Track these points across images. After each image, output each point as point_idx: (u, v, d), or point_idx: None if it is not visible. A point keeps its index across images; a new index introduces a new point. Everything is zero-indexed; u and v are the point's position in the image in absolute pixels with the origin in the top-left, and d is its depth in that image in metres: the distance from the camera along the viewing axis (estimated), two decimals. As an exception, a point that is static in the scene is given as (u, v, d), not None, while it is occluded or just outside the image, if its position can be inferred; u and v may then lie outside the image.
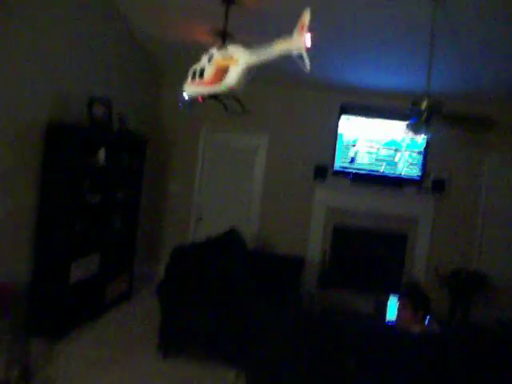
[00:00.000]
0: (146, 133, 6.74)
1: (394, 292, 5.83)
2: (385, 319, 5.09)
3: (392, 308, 5.35)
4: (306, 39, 1.76)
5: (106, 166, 5.46)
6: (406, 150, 6.81)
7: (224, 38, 2.29)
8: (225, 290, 4.57)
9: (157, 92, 7.44)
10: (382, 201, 6.96)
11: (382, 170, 6.86)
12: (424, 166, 6.82)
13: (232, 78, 2.03)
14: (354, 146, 6.90)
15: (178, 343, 4.84)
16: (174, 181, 7.49)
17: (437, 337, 3.21)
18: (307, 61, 1.80)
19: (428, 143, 6.76)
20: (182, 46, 6.11)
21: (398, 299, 4.74)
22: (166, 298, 4.74)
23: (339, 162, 6.93)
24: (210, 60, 2.14)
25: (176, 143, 7.49)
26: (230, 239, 5.85)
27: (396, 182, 6.87)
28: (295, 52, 1.85)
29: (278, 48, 1.89)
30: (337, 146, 6.92)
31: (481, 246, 6.88)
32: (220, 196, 7.45)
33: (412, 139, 6.73)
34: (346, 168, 6.94)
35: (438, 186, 6.79)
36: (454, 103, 5.45)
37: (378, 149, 6.84)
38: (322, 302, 5.51)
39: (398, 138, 6.80)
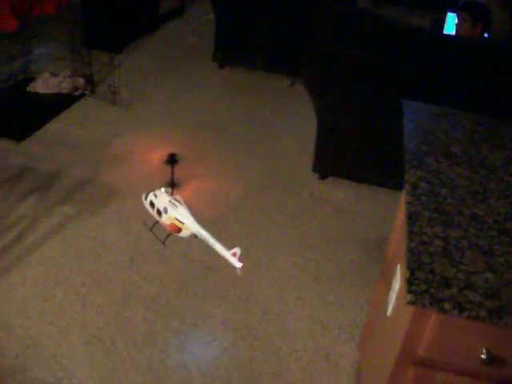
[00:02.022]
0: None
1: (452, 9, 5.61)
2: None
3: (450, 24, 5.21)
4: (237, 263, 2.15)
5: None
6: None
7: (172, 186, 2.83)
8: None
9: None
10: None
11: None
12: None
13: (185, 235, 2.39)
14: None
15: (233, 54, 4.90)
16: None
17: (497, 44, 3.17)
18: (238, 266, 2.17)
19: None
20: None
21: (457, 14, 4.60)
22: (220, 7, 4.69)
23: None
24: (166, 211, 2.41)
25: None
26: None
27: None
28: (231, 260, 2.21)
29: (220, 248, 2.21)
30: None
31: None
32: None
33: None
34: None
35: None
36: None
37: None
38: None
39: None
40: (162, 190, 2.57)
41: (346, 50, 2.95)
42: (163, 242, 2.62)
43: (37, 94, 4.27)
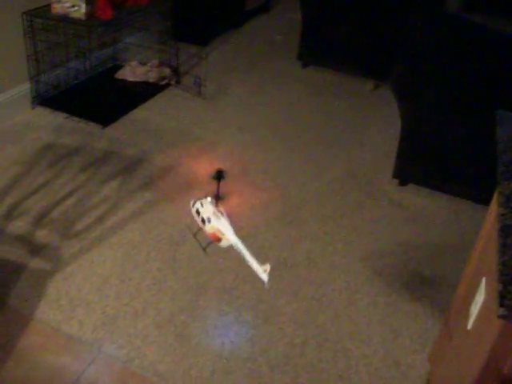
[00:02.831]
0: None
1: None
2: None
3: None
4: (266, 279, 2.47)
5: None
6: None
7: (217, 199, 3.06)
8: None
9: None
10: None
11: None
12: None
13: (225, 245, 2.66)
14: None
15: (317, 54, 4.89)
16: None
17: None
18: (266, 280, 2.49)
19: None
20: None
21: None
22: (307, 7, 4.69)
23: None
24: (209, 221, 2.66)
25: None
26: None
27: None
28: (261, 276, 2.49)
29: (251, 261, 2.50)
30: None
31: None
32: None
33: None
34: None
35: None
36: None
37: None
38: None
39: None
40: (208, 199, 2.80)
41: (439, 54, 2.90)
42: (204, 249, 2.76)
43: (124, 81, 4.39)
